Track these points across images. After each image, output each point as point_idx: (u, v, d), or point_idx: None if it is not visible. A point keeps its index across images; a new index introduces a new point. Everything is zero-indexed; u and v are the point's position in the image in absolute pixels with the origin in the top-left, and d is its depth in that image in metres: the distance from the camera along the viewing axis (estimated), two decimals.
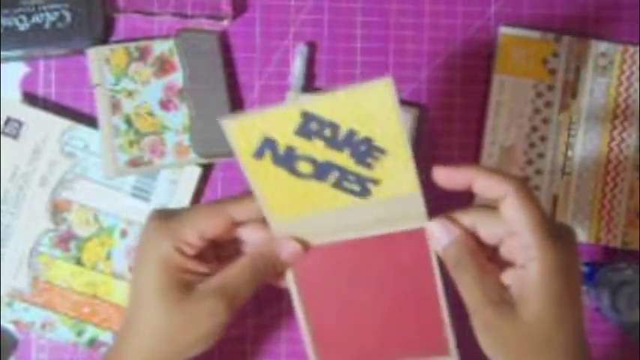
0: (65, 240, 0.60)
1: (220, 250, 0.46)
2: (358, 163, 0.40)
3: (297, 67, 0.62)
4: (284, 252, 0.44)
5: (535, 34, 0.63)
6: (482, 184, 0.41)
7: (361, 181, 0.41)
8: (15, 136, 0.59)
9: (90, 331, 0.60)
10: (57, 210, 0.60)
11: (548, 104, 0.63)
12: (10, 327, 0.60)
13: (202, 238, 0.43)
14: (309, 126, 0.39)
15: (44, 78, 0.61)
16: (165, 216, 0.44)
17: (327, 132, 0.39)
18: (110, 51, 0.60)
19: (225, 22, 0.62)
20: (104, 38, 0.61)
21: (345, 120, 0.39)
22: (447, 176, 0.42)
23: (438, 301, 0.44)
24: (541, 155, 0.63)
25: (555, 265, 0.40)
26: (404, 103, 0.63)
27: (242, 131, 0.40)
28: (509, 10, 0.64)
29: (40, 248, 0.60)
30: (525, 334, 0.40)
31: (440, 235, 0.42)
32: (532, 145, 0.63)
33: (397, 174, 0.41)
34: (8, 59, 0.60)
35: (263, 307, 0.62)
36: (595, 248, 0.63)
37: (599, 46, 0.63)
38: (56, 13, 0.59)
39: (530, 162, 0.63)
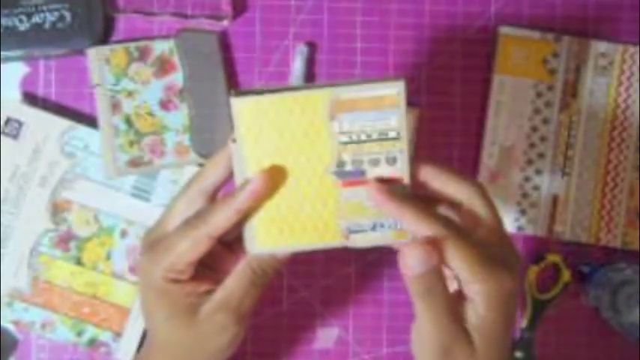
0: (65, 240, 0.60)
1: (219, 262, 0.46)
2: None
3: (297, 67, 0.62)
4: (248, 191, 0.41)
5: (535, 34, 0.63)
6: (414, 228, 0.40)
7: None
8: (15, 136, 0.59)
9: (90, 331, 0.60)
10: (57, 210, 0.60)
11: (548, 104, 0.63)
12: (10, 327, 0.60)
13: (191, 263, 0.42)
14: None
15: (44, 78, 0.61)
16: (151, 245, 0.43)
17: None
18: (110, 51, 0.60)
19: (225, 22, 0.62)
20: (104, 38, 0.61)
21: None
22: (379, 202, 0.41)
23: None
24: (541, 155, 0.63)
25: (500, 296, 0.40)
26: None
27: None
28: (509, 10, 0.64)
29: (40, 248, 0.60)
30: (477, 358, 0.41)
31: (416, 263, 0.40)
32: (532, 145, 0.63)
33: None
34: (8, 59, 0.60)
35: (263, 307, 0.62)
36: (595, 248, 0.63)
37: (599, 46, 0.63)
38: (56, 13, 0.59)
39: (530, 162, 0.63)
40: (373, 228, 0.42)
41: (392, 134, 0.40)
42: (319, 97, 0.40)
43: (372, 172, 0.41)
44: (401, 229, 0.42)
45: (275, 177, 0.41)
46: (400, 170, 0.41)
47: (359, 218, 0.42)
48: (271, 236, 0.42)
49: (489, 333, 0.41)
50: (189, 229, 0.42)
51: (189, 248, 0.41)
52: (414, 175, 0.42)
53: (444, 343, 0.41)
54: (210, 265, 0.45)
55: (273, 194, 0.41)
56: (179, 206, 0.43)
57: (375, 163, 0.41)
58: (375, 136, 0.40)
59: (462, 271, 0.40)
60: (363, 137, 0.41)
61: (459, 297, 0.42)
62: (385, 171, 0.41)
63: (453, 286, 0.43)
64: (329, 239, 0.42)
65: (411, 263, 0.40)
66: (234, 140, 0.41)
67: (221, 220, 0.41)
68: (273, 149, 0.41)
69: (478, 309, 0.41)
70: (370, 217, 0.42)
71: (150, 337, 0.46)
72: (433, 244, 0.40)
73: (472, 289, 0.41)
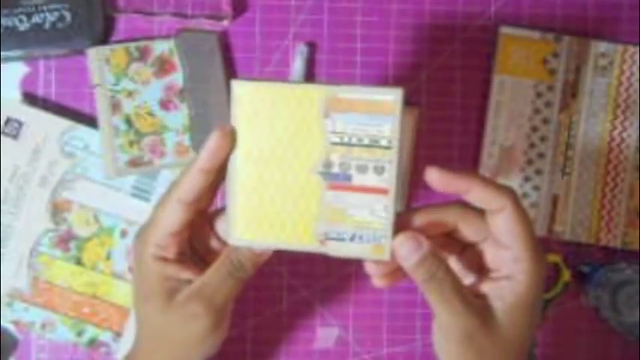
0: (65, 240, 0.60)
1: (209, 257, 0.46)
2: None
3: (297, 67, 0.62)
4: None
5: (535, 34, 0.63)
6: (479, 195, 0.40)
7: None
8: (15, 136, 0.59)
9: (90, 331, 0.60)
10: (57, 210, 0.60)
11: (548, 104, 0.63)
12: (10, 327, 0.60)
13: (171, 235, 0.42)
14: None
15: (44, 78, 0.61)
16: (140, 228, 0.44)
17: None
18: (110, 51, 0.60)
19: (225, 22, 0.62)
20: (104, 38, 0.61)
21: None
22: (442, 180, 0.40)
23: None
24: (541, 155, 0.63)
25: (540, 279, 0.41)
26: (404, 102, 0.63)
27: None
28: (509, 10, 0.64)
29: (40, 248, 0.60)
30: (503, 342, 0.41)
31: (407, 253, 0.40)
32: (532, 145, 0.63)
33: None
34: (8, 59, 0.60)
35: (263, 307, 0.62)
36: (595, 248, 0.63)
37: (599, 46, 0.63)
38: (56, 13, 0.59)
39: (530, 162, 0.63)
40: (352, 239, 0.41)
41: (383, 142, 0.40)
42: (317, 93, 0.40)
43: (358, 179, 0.40)
44: (379, 245, 0.41)
45: (259, 164, 0.41)
46: (387, 181, 0.40)
47: (339, 225, 0.41)
48: (250, 229, 0.42)
49: (522, 312, 0.41)
50: (162, 200, 0.43)
51: (166, 218, 0.42)
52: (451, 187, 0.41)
53: (462, 327, 0.40)
54: (207, 260, 0.45)
55: (256, 184, 0.41)
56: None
57: (362, 169, 0.40)
58: (366, 141, 0.40)
59: (516, 244, 0.40)
60: (354, 140, 0.40)
61: (487, 276, 0.42)
62: (372, 180, 0.40)
63: (468, 280, 0.44)
64: (306, 242, 0.42)
65: (404, 254, 0.40)
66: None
67: (187, 183, 0.41)
68: (265, 139, 0.41)
69: (518, 288, 0.40)
70: (351, 226, 0.41)
71: (135, 318, 0.46)
72: (420, 234, 0.40)
73: (519, 266, 0.40)
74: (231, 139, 0.41)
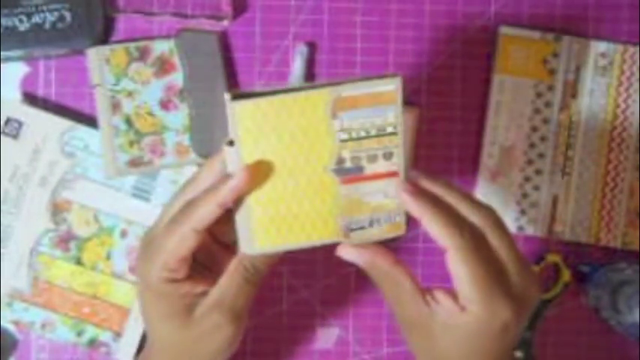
0: (65, 240, 0.60)
1: (217, 263, 0.46)
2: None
3: (297, 67, 0.62)
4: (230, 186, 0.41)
5: (535, 34, 0.63)
6: (426, 228, 0.41)
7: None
8: (15, 136, 0.59)
9: (90, 331, 0.60)
10: (57, 210, 0.60)
11: (548, 104, 0.63)
12: (10, 327, 0.60)
13: (181, 260, 0.42)
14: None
15: (44, 78, 0.61)
16: (145, 246, 0.44)
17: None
18: (110, 51, 0.60)
19: (225, 22, 0.62)
20: (104, 38, 0.61)
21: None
22: (404, 201, 0.42)
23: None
24: (541, 155, 0.63)
25: (491, 322, 0.41)
26: (404, 102, 0.63)
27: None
28: (509, 10, 0.64)
29: (40, 248, 0.60)
30: (438, 353, 0.43)
31: (351, 258, 0.43)
32: (532, 145, 0.63)
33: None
34: (8, 59, 0.60)
35: (263, 307, 0.62)
36: (595, 248, 0.63)
37: (599, 46, 0.63)
38: (56, 13, 0.59)
39: (530, 162, 0.63)
40: (370, 224, 0.43)
41: (389, 129, 0.41)
42: (320, 97, 0.40)
43: (370, 168, 0.41)
44: (395, 223, 0.43)
45: (270, 176, 0.41)
46: (396, 165, 0.42)
47: (357, 215, 0.42)
48: (270, 236, 0.42)
49: (461, 342, 0.42)
50: (174, 225, 0.42)
51: (177, 244, 0.41)
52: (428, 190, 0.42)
53: (401, 322, 0.44)
54: (210, 267, 0.45)
55: (271, 194, 0.41)
56: (173, 208, 0.43)
57: (372, 159, 0.41)
58: (373, 132, 0.41)
59: (462, 287, 0.41)
60: (362, 134, 0.41)
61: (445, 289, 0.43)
62: (382, 166, 0.42)
63: None
64: (327, 237, 0.43)
65: (348, 258, 0.43)
66: (229, 143, 0.40)
67: (204, 214, 0.41)
68: (271, 151, 0.41)
69: (462, 319, 0.41)
70: (367, 212, 0.42)
71: (149, 338, 0.46)
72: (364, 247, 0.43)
73: (467, 305, 0.41)
74: (253, 177, 0.41)
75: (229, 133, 0.40)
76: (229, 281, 0.43)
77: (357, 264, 0.43)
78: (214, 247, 0.45)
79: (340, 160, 0.41)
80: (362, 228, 0.43)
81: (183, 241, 0.41)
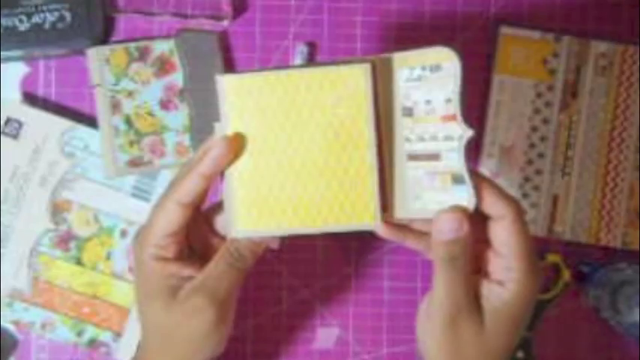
0: (65, 240, 0.60)
1: (213, 253, 0.46)
2: None
3: None
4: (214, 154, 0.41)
5: (535, 34, 0.63)
6: (485, 199, 0.41)
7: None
8: (15, 136, 0.59)
9: (90, 331, 0.60)
10: (57, 210, 0.60)
11: (548, 104, 0.63)
12: (10, 327, 0.60)
13: (170, 235, 0.43)
14: None
15: (44, 78, 0.61)
16: (139, 229, 0.45)
17: None
18: (110, 51, 0.60)
19: (225, 22, 0.62)
20: (104, 38, 0.61)
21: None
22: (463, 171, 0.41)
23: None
24: (541, 155, 0.63)
25: (530, 293, 0.42)
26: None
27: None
28: (509, 10, 0.64)
29: (40, 248, 0.60)
30: (482, 343, 0.42)
31: (449, 230, 0.41)
32: (532, 145, 0.63)
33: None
34: (8, 59, 0.60)
35: (263, 307, 0.62)
36: (595, 248, 0.63)
37: (599, 46, 0.63)
38: (56, 13, 0.59)
39: (530, 162, 0.63)
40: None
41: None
42: (300, 77, 0.40)
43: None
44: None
45: (255, 154, 0.41)
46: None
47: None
48: (251, 219, 0.42)
49: (505, 320, 0.42)
50: (161, 201, 0.43)
51: (163, 219, 0.42)
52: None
53: (452, 312, 0.42)
54: (206, 258, 0.45)
55: (254, 174, 0.41)
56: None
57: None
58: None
59: (511, 255, 0.41)
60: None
61: (484, 276, 0.43)
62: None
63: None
64: (310, 225, 0.42)
65: (443, 227, 0.41)
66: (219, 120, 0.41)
67: (187, 185, 0.42)
68: (255, 129, 0.41)
69: (504, 295, 0.41)
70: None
71: (139, 322, 0.47)
72: (467, 217, 0.41)
73: (510, 275, 0.41)
74: (234, 147, 0.41)
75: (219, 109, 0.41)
76: (213, 265, 0.44)
77: (451, 237, 0.41)
78: (212, 239, 0.46)
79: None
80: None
81: (168, 214, 0.42)
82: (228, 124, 0.41)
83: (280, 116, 0.41)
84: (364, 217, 0.42)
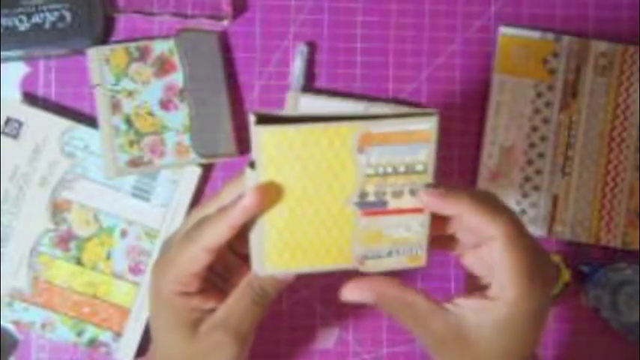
0: (65, 240, 0.60)
1: (235, 275, 0.45)
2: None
3: (297, 67, 0.62)
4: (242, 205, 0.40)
5: (535, 34, 0.63)
6: (470, 222, 0.40)
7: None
8: (15, 136, 0.59)
9: (90, 331, 0.60)
10: (57, 210, 0.60)
11: (548, 104, 0.63)
12: (10, 327, 0.60)
13: (194, 275, 0.42)
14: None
15: (44, 78, 0.61)
16: (162, 255, 0.44)
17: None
18: (110, 51, 0.60)
19: (225, 22, 0.62)
20: (104, 38, 0.61)
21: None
22: (431, 204, 0.40)
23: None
24: (541, 155, 0.63)
25: (531, 308, 0.40)
26: (404, 103, 0.63)
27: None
28: (509, 10, 0.64)
29: (40, 248, 0.60)
30: (475, 357, 0.41)
31: (357, 298, 0.42)
32: (532, 145, 0.63)
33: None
34: (8, 59, 0.60)
35: None
36: (595, 248, 0.63)
37: (599, 46, 0.63)
38: (56, 13, 0.59)
39: (530, 162, 0.63)
40: (389, 254, 0.41)
41: (419, 167, 0.39)
42: (349, 130, 0.38)
43: (394, 203, 0.40)
44: (415, 255, 0.41)
45: (288, 201, 0.40)
46: (422, 201, 0.40)
47: (376, 246, 0.41)
48: (282, 259, 0.41)
49: (497, 338, 0.41)
50: (186, 242, 0.42)
51: (188, 262, 0.41)
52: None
53: (435, 337, 0.41)
54: (225, 277, 0.45)
55: (287, 219, 0.40)
56: (191, 221, 0.43)
57: (397, 194, 0.40)
58: (401, 169, 0.39)
59: (504, 276, 0.40)
60: (390, 170, 0.39)
61: (482, 291, 0.41)
62: (407, 202, 0.40)
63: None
64: (342, 262, 0.41)
65: (354, 298, 0.42)
66: (251, 165, 0.39)
67: (214, 235, 0.40)
68: (292, 177, 0.39)
69: (498, 313, 0.40)
70: (387, 244, 0.41)
71: (153, 345, 0.46)
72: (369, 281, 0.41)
73: (504, 294, 0.40)
74: (266, 198, 0.40)
75: (252, 154, 0.39)
76: (236, 302, 0.43)
77: (366, 301, 0.42)
78: (231, 258, 0.45)
79: (363, 194, 0.40)
80: (378, 257, 0.41)
81: (193, 259, 0.41)
82: (262, 174, 0.39)
83: (323, 166, 0.39)
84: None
